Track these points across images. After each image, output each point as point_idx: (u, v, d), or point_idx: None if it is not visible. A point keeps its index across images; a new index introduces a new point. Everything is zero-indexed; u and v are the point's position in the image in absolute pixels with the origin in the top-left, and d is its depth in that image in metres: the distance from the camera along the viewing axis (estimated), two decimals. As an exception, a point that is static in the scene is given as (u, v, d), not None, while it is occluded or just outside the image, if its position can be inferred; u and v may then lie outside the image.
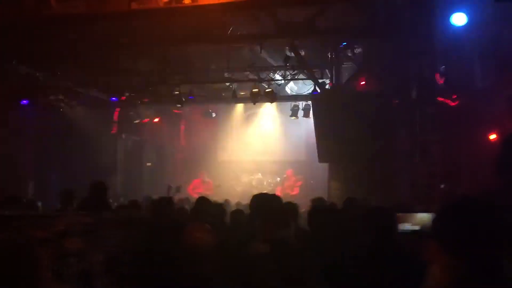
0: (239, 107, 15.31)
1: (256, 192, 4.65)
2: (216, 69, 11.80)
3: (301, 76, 11.73)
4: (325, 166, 11.45)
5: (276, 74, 12.00)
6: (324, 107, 10.52)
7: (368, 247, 2.96)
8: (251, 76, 11.87)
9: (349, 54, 10.68)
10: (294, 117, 13.55)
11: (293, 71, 11.36)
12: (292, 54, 9.97)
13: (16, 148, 11.68)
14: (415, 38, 8.22)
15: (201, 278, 2.52)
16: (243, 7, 6.51)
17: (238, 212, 4.93)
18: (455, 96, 8.56)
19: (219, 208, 5.10)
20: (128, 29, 8.73)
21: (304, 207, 7.08)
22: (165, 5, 4.69)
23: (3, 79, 10.21)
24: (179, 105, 13.33)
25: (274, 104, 13.56)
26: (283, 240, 2.84)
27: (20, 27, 7.61)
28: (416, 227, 3.39)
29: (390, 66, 9.51)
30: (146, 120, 15.13)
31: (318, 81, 11.09)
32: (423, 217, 3.40)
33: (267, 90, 11.73)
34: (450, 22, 7.49)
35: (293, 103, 13.46)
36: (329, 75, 11.30)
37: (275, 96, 12.03)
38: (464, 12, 7.36)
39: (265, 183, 14.73)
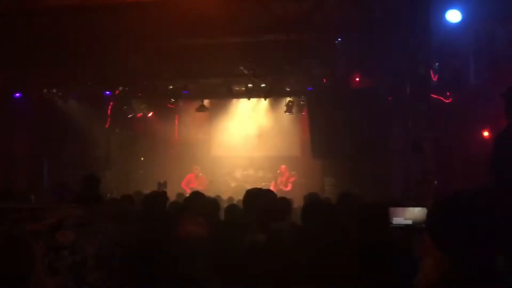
0: (234, 102, 15.29)
1: (249, 187, 4.66)
2: (210, 63, 11.76)
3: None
4: (319, 162, 11.48)
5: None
6: (318, 103, 10.54)
7: (361, 241, 2.98)
8: (246, 71, 11.86)
9: (344, 50, 10.69)
10: (288, 113, 13.58)
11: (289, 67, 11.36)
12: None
13: (8, 141, 11.62)
14: (410, 35, 8.24)
15: (195, 271, 2.53)
16: (238, 1, 6.50)
17: (232, 207, 4.93)
18: (449, 93, 8.60)
19: (213, 203, 5.09)
20: (122, 22, 8.67)
21: (297, 203, 7.10)
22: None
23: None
24: (173, 100, 13.29)
25: (268, 99, 13.57)
26: (278, 232, 2.85)
27: (14, 18, 7.55)
28: (409, 222, 3.40)
29: (384, 63, 9.53)
30: (140, 114, 15.09)
31: (313, 77, 11.11)
32: (415, 212, 3.42)
33: (261, 86, 11.73)
34: (445, 19, 7.51)
35: (288, 99, 13.48)
36: (324, 71, 11.31)
37: (270, 91, 12.02)
38: (458, 9, 7.38)
39: (259, 178, 14.73)
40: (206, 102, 14.20)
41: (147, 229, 3.58)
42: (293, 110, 13.47)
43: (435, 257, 1.72)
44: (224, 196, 10.11)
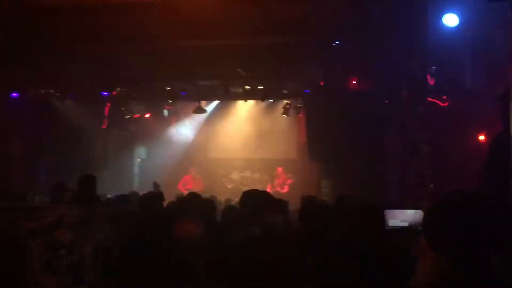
0: (231, 104, 15.30)
1: (246, 189, 4.67)
2: (208, 65, 11.77)
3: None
4: (315, 164, 11.50)
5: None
6: (315, 106, 10.56)
7: (358, 243, 2.99)
8: (244, 73, 11.86)
9: (341, 53, 10.73)
10: (285, 115, 13.60)
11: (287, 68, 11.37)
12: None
13: (5, 141, 11.58)
14: (407, 39, 8.28)
15: (191, 271, 2.53)
16: (237, 3, 6.51)
17: (230, 208, 4.94)
18: (445, 97, 8.64)
19: (209, 203, 5.10)
20: (120, 23, 8.67)
21: (293, 205, 7.10)
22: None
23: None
24: (171, 101, 13.27)
25: (266, 101, 13.59)
26: (273, 225, 2.87)
27: (11, 17, 7.54)
28: (405, 224, 3.43)
29: (381, 66, 9.57)
30: (137, 115, 15.07)
31: (310, 80, 11.13)
32: (412, 214, 3.44)
33: (259, 88, 11.74)
34: (442, 23, 7.55)
35: (285, 101, 13.50)
36: (321, 74, 11.33)
37: (267, 93, 12.04)
38: (456, 13, 7.42)
39: (256, 180, 14.74)
40: (203, 103, 14.22)
41: (144, 230, 3.58)
42: (290, 113, 13.48)
43: (432, 258, 1.73)
44: (221, 198, 10.11)
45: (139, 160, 15.52)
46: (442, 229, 1.67)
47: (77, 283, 2.70)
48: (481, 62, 7.78)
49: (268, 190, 12.89)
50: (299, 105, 13.29)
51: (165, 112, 15.26)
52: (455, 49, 7.92)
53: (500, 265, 1.60)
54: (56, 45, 9.46)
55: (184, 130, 15.81)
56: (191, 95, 13.19)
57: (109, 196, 8.90)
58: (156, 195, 5.70)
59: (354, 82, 10.72)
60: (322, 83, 11.22)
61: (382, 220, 3.25)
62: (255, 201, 3.26)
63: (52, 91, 12.42)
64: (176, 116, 15.73)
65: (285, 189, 13.82)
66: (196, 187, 13.27)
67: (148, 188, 8.98)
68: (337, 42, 10.01)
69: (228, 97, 13.36)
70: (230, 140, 15.40)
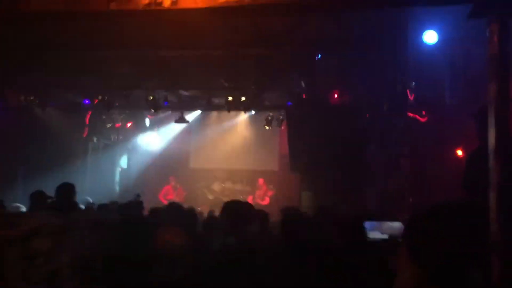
0: (214, 114, 15.30)
1: (227, 200, 4.68)
2: (191, 75, 11.76)
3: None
4: (296, 176, 11.53)
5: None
6: (297, 118, 10.63)
7: (337, 254, 3.01)
8: (226, 84, 11.89)
9: (324, 67, 10.85)
10: (268, 127, 13.65)
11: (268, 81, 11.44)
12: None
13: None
14: (388, 54, 8.42)
15: (171, 280, 2.52)
16: (223, 14, 6.55)
17: (211, 219, 4.93)
18: (425, 112, 8.79)
19: (190, 213, 5.08)
20: (104, 31, 8.63)
21: (274, 217, 7.10)
22: (144, 7, 4.68)
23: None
24: (153, 111, 13.20)
25: (248, 113, 13.63)
26: (248, 234, 2.87)
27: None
28: (385, 236, 3.46)
29: (363, 81, 9.70)
30: (119, 124, 14.95)
31: (292, 92, 11.21)
32: (392, 226, 3.47)
33: (242, 99, 11.78)
34: (422, 40, 7.71)
35: (267, 113, 13.56)
36: (303, 87, 11.42)
37: (249, 105, 12.07)
38: (435, 30, 7.59)
39: (237, 191, 14.72)
40: (185, 113, 14.20)
41: (123, 238, 3.55)
42: (272, 125, 13.55)
43: (411, 270, 1.75)
44: (201, 208, 10.06)
45: (120, 169, 15.38)
46: (422, 241, 1.69)
47: (54, 293, 2.66)
48: (460, 79, 7.96)
49: (249, 201, 12.89)
50: (281, 117, 13.36)
51: (147, 122, 15.21)
52: (435, 65, 8.08)
53: (479, 278, 1.62)
54: (37, 51, 9.36)
55: (166, 140, 15.74)
56: (173, 105, 13.15)
57: (91, 200, 8.82)
58: (135, 204, 5.65)
59: (336, 95, 10.83)
60: (304, 96, 11.32)
61: (363, 232, 3.28)
62: (236, 211, 3.27)
63: (32, 98, 12.26)
64: (158, 126, 15.67)
65: (266, 200, 13.84)
66: (177, 197, 13.21)
67: (129, 198, 8.89)
68: (320, 56, 10.13)
69: (210, 107, 13.36)
70: (212, 150, 15.39)
